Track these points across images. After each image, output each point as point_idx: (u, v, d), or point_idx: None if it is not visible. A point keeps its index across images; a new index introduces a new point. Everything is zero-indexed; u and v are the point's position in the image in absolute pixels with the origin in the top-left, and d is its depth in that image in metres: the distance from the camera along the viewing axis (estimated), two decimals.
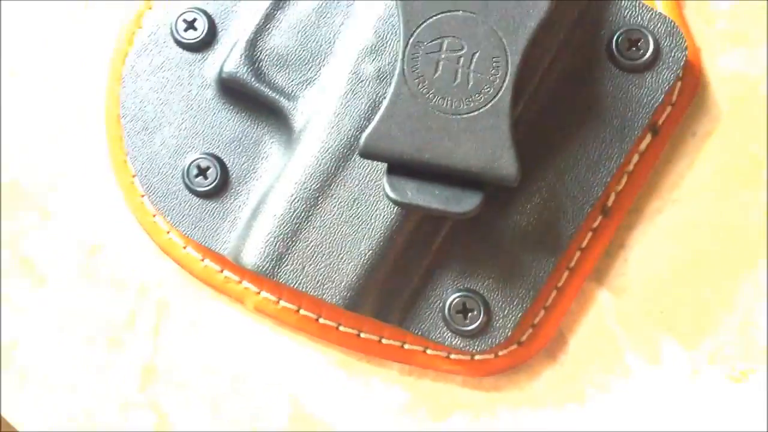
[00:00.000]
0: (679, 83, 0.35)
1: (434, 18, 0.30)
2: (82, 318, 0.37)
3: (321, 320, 0.36)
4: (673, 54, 0.34)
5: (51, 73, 0.38)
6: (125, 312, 0.37)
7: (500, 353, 0.35)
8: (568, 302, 0.35)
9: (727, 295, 0.36)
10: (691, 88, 0.35)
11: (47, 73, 0.38)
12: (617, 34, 0.34)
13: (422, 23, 0.30)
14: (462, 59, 0.30)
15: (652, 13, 0.34)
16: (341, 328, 0.36)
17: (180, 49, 0.35)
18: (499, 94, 0.30)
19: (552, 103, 0.33)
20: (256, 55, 0.34)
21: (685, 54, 0.34)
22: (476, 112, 0.30)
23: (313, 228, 0.33)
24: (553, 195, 0.33)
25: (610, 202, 0.35)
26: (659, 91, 0.34)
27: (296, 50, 0.34)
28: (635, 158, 0.35)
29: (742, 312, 0.35)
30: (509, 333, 0.33)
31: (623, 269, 0.36)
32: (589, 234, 0.35)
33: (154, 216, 0.37)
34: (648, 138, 0.35)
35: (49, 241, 0.38)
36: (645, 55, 0.33)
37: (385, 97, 0.31)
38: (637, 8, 0.34)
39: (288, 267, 0.33)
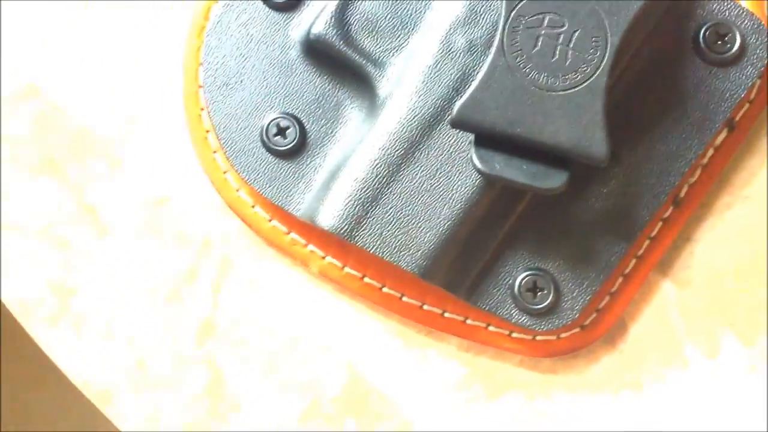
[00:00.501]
0: (758, 81, 0.35)
1: None
2: (143, 270, 0.37)
3: (384, 289, 0.36)
4: (758, 51, 0.34)
5: (129, 22, 0.38)
6: (187, 266, 0.37)
7: (562, 335, 0.35)
8: (633, 290, 0.35)
9: None
10: None
11: (126, 22, 0.38)
12: (705, 27, 0.34)
13: None
14: (562, 36, 0.30)
15: (739, 10, 0.34)
16: (404, 299, 0.36)
17: (267, 8, 0.35)
18: (596, 74, 0.30)
19: (636, 88, 0.34)
20: (345, 18, 0.34)
21: None
22: (571, 90, 0.30)
23: (394, 194, 0.33)
24: (631, 181, 0.34)
25: (682, 194, 0.35)
26: (742, 87, 0.34)
27: (386, 17, 0.34)
28: (710, 152, 0.35)
29: None
30: (577, 315, 0.34)
31: (689, 262, 0.36)
32: (660, 224, 0.35)
33: (225, 172, 0.36)
34: (724, 133, 0.36)
35: (115, 190, 0.38)
36: (731, 50, 0.34)
37: (478, 69, 0.32)
38: (726, 3, 0.34)
39: (366, 231, 0.33)
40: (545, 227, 0.34)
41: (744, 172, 0.36)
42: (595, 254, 0.34)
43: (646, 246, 0.35)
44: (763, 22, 0.34)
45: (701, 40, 0.34)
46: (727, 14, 0.34)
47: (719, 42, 0.34)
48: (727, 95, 0.34)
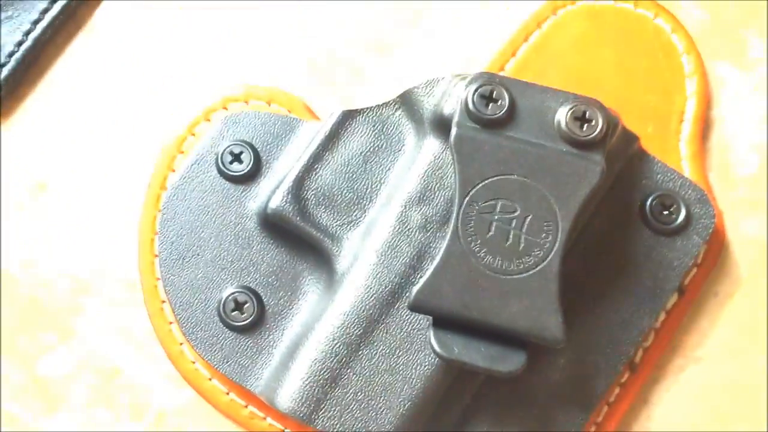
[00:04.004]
0: (704, 246, 0.37)
1: (490, 180, 0.31)
2: None
3: None
4: (702, 221, 0.35)
5: (84, 188, 0.38)
6: None
7: None
8: None
9: None
10: (715, 250, 0.37)
11: (80, 189, 0.38)
12: (651, 198, 0.35)
13: (478, 184, 0.31)
14: (515, 221, 0.31)
15: (683, 180, 0.35)
16: None
17: (224, 181, 0.35)
18: (549, 258, 0.31)
19: (588, 259, 0.34)
20: (302, 193, 0.34)
21: (713, 222, 0.35)
22: (525, 274, 0.31)
23: (353, 374, 0.32)
24: (587, 351, 0.34)
25: (637, 359, 0.36)
26: (689, 255, 0.35)
27: (342, 192, 0.34)
28: (662, 316, 0.36)
29: None
30: None
31: (646, 425, 0.36)
32: (617, 389, 0.36)
33: (180, 344, 0.36)
34: (674, 297, 0.36)
35: (66, 362, 0.37)
36: (677, 220, 0.35)
37: (432, 248, 0.32)
38: (669, 174, 0.35)
39: (325, 413, 0.32)
40: (505, 400, 0.34)
41: (695, 334, 0.37)
42: (555, 425, 0.34)
43: (604, 412, 0.35)
44: (706, 192, 0.35)
45: (648, 211, 0.35)
46: (671, 185, 0.35)
47: (665, 212, 0.35)
48: (676, 264, 0.35)
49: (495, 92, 0.31)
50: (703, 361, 0.37)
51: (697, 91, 0.38)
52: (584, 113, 0.31)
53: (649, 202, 0.35)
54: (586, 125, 0.31)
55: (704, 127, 0.38)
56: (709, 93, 0.38)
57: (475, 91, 0.31)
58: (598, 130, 0.31)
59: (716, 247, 0.37)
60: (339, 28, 0.39)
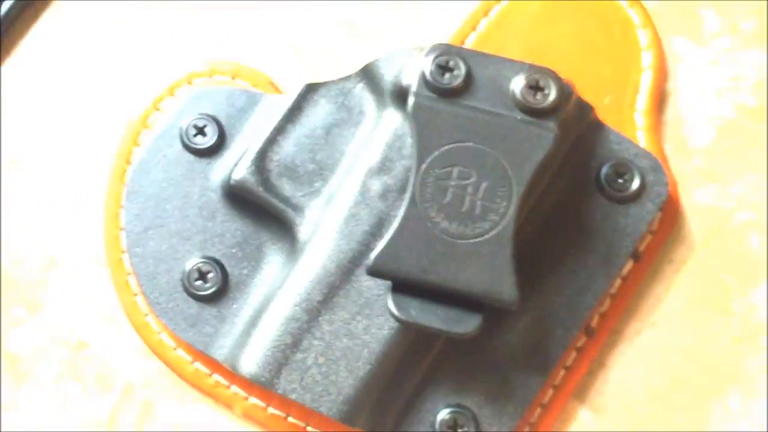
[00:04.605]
0: (659, 213, 0.38)
1: (446, 147, 0.32)
2: (62, 417, 0.37)
3: (309, 428, 0.36)
4: (656, 188, 0.36)
5: (51, 164, 0.38)
6: (107, 412, 0.37)
7: None
8: (551, 420, 0.36)
9: (699, 418, 0.37)
10: (669, 218, 0.38)
11: (48, 164, 0.38)
12: (606, 166, 0.36)
13: (435, 151, 0.32)
14: (470, 187, 0.32)
15: (637, 149, 0.36)
16: None
17: (188, 154, 0.36)
18: (503, 222, 0.32)
19: (543, 228, 0.35)
20: (265, 165, 0.35)
21: (666, 189, 0.36)
22: (481, 238, 0.31)
23: (314, 339, 0.33)
24: (543, 316, 0.35)
25: (594, 323, 0.37)
26: (642, 222, 0.36)
27: (304, 163, 0.35)
28: (618, 282, 0.37)
29: None
30: None
31: (603, 388, 0.37)
32: (574, 353, 0.36)
33: (146, 315, 0.36)
34: (630, 263, 0.37)
35: (34, 335, 0.37)
36: (631, 188, 0.36)
37: (392, 216, 0.33)
38: (624, 143, 0.36)
39: (286, 378, 0.33)
40: (464, 364, 0.35)
41: (650, 299, 0.38)
42: (513, 388, 0.35)
43: (562, 376, 0.36)
44: (659, 161, 0.36)
45: (603, 179, 0.36)
46: (625, 154, 0.36)
47: (620, 180, 0.36)
48: (630, 230, 0.36)
49: (451, 62, 0.32)
50: (659, 325, 0.38)
51: (652, 64, 0.39)
52: (538, 82, 0.32)
53: (604, 171, 0.36)
54: (539, 93, 0.32)
55: (660, 100, 0.39)
56: (664, 66, 0.39)
57: (433, 61, 0.32)
58: (551, 98, 0.32)
59: (671, 215, 0.38)
60: (306, 6, 0.39)
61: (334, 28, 0.39)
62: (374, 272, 0.31)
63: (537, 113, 0.32)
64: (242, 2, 0.39)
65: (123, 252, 0.37)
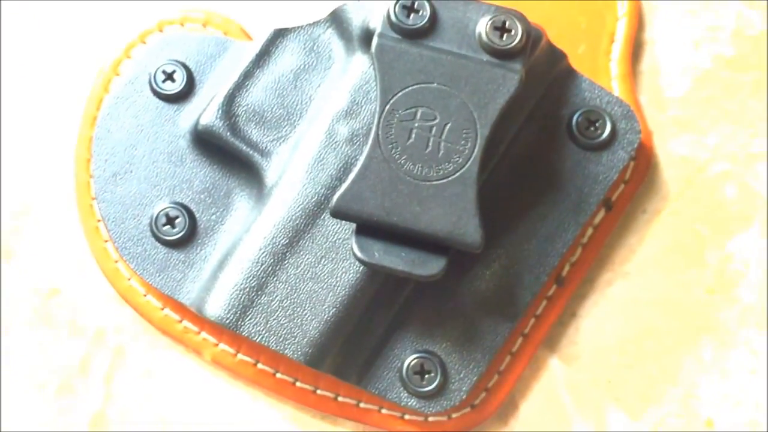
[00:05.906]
0: (632, 163, 0.37)
1: (410, 88, 0.31)
2: (34, 363, 0.37)
3: (278, 375, 0.36)
4: (628, 136, 0.36)
5: (24, 111, 0.38)
6: (79, 358, 0.37)
7: (453, 415, 0.36)
8: (520, 368, 0.36)
9: (671, 368, 0.37)
10: (643, 167, 0.37)
11: (20, 112, 0.38)
12: (577, 114, 0.36)
13: (398, 92, 0.31)
14: (434, 129, 0.31)
15: (609, 97, 0.36)
16: (298, 384, 0.36)
17: (157, 100, 0.36)
18: (468, 164, 0.31)
19: (514, 174, 0.35)
20: (233, 110, 0.35)
21: (638, 137, 0.36)
22: (445, 180, 0.31)
23: (279, 282, 0.33)
24: (512, 263, 0.35)
25: (564, 272, 0.37)
26: (614, 170, 0.36)
27: (272, 108, 0.35)
28: (589, 231, 0.37)
29: (685, 385, 0.37)
30: (464, 396, 0.34)
31: (574, 338, 0.37)
32: (544, 302, 0.36)
33: (116, 262, 0.37)
34: (602, 213, 0.37)
35: (6, 282, 0.37)
36: (602, 135, 0.35)
37: (357, 159, 0.33)
38: (596, 90, 0.36)
39: (251, 320, 0.33)
40: (432, 310, 0.35)
41: (623, 250, 0.38)
42: (481, 335, 0.35)
43: (531, 324, 0.36)
44: (631, 108, 0.36)
45: (574, 126, 0.35)
46: (597, 101, 0.36)
47: (591, 128, 0.35)
48: (601, 178, 0.35)
49: (416, 3, 0.32)
50: (631, 275, 0.38)
51: (627, 12, 0.38)
52: (504, 23, 0.32)
53: (575, 118, 0.35)
54: (505, 35, 0.32)
55: (636, 50, 0.39)
56: (640, 14, 0.39)
57: (397, 2, 0.32)
58: (517, 39, 0.32)
59: (644, 164, 0.38)
60: None
61: None
62: (337, 213, 0.31)
63: (503, 55, 0.32)
64: None
65: (93, 199, 0.37)
